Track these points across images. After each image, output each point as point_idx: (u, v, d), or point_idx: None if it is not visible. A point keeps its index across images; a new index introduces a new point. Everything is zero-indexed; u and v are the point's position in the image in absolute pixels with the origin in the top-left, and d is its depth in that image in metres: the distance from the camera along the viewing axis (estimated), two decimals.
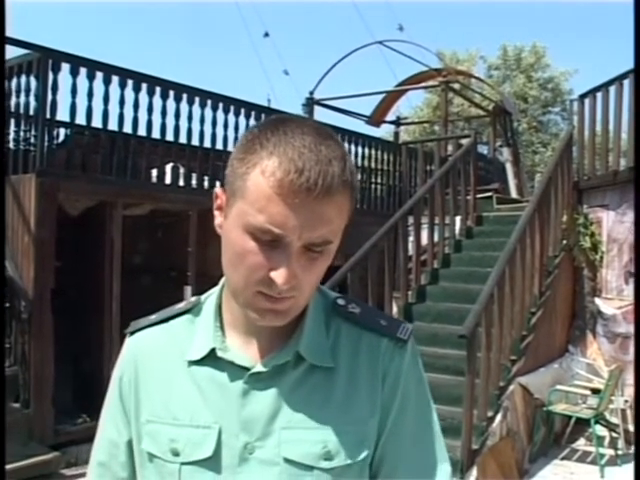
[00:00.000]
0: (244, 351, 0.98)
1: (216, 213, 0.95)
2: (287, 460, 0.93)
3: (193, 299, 1.07)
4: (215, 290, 1.05)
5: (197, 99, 7.24)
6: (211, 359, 0.97)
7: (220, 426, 0.95)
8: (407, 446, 0.99)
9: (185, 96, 7.10)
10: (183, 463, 0.95)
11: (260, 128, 0.90)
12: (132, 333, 1.07)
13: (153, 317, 1.08)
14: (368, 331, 1.00)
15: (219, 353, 0.97)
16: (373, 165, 9.89)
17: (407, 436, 0.99)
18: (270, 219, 0.85)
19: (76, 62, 6.14)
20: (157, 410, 0.99)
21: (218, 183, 6.35)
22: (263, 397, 0.95)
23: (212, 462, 0.94)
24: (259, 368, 0.95)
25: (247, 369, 0.96)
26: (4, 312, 5.29)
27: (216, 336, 0.99)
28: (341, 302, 1.03)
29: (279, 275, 0.87)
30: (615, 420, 6.44)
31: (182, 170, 7.22)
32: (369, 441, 0.96)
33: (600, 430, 6.13)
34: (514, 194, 10.66)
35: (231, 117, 7.57)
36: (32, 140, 5.97)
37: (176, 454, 0.96)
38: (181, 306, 1.07)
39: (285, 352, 0.96)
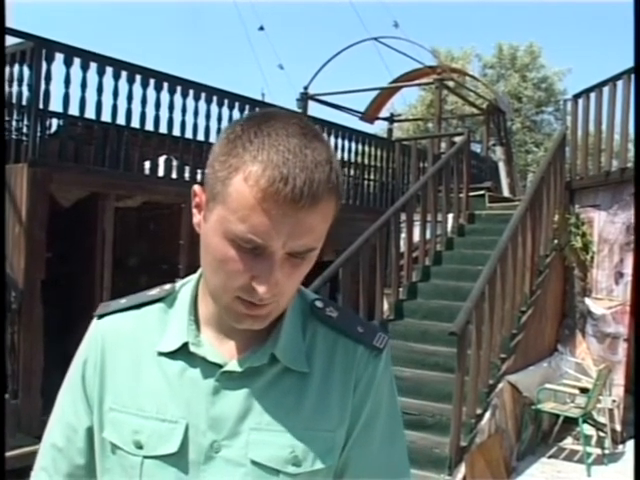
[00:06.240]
0: (218, 347, 0.95)
1: (194, 211, 0.92)
2: (254, 462, 0.91)
3: (167, 287, 1.03)
4: (191, 279, 1.01)
5: (191, 92, 7.23)
6: (183, 353, 0.94)
7: (187, 422, 0.92)
8: (372, 454, 0.97)
9: (179, 88, 7.09)
10: (146, 457, 0.92)
11: (243, 126, 0.86)
12: (100, 316, 1.03)
13: (123, 301, 1.03)
14: (345, 336, 0.98)
15: (192, 348, 0.94)
16: (366, 161, 9.91)
17: (374, 444, 0.97)
18: (253, 229, 0.82)
19: (70, 52, 6.11)
20: (122, 399, 0.96)
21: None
22: (234, 396, 0.92)
23: (176, 458, 0.91)
24: (232, 367, 0.93)
25: (219, 366, 0.93)
26: (5, 315, 5.27)
27: (190, 330, 0.95)
28: (319, 304, 1.01)
29: (261, 284, 0.85)
30: (602, 419, 6.48)
31: (175, 162, 7.20)
32: (337, 449, 0.95)
33: (587, 429, 6.16)
34: (506, 193, 10.69)
35: (225, 110, 7.57)
36: (24, 130, 5.94)
37: (139, 446, 0.93)
38: (154, 293, 1.03)
39: (261, 353, 0.93)
